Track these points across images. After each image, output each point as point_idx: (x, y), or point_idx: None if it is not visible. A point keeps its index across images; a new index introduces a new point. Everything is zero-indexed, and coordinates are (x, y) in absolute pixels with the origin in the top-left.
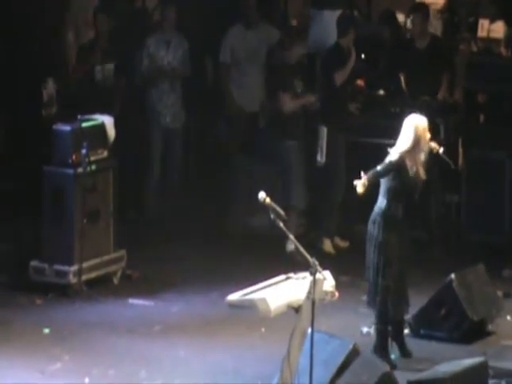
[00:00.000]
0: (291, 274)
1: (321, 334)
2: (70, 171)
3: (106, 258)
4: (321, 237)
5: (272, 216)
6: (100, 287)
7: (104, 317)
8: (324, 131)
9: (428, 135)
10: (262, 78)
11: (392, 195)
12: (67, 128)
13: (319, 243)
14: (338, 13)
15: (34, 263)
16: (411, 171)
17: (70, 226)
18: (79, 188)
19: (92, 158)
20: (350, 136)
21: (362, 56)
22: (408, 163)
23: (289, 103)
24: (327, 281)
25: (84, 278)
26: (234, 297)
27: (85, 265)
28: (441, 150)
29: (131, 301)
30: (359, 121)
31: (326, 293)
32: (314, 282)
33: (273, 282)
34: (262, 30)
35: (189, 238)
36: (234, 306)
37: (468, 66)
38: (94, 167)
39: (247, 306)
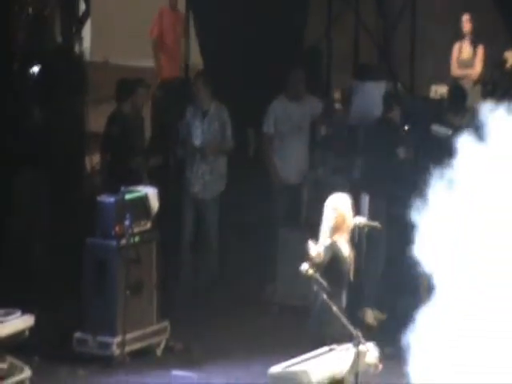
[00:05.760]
0: (334, 346)
1: None
2: (113, 243)
3: (149, 329)
4: (362, 307)
5: (315, 288)
6: (143, 359)
7: None
8: (366, 200)
9: (351, 212)
10: (305, 150)
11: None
12: (111, 200)
13: (360, 313)
14: (380, 84)
15: (77, 335)
16: (345, 253)
17: (113, 297)
18: (122, 260)
19: (135, 230)
20: (391, 206)
21: (406, 127)
22: (340, 246)
23: None
24: (371, 352)
25: (127, 349)
26: (276, 369)
27: (128, 336)
28: (363, 221)
29: (174, 372)
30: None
31: (370, 365)
32: (358, 354)
33: (315, 354)
34: (305, 102)
35: (231, 310)
36: (277, 378)
37: None
38: (137, 239)
39: (289, 379)
